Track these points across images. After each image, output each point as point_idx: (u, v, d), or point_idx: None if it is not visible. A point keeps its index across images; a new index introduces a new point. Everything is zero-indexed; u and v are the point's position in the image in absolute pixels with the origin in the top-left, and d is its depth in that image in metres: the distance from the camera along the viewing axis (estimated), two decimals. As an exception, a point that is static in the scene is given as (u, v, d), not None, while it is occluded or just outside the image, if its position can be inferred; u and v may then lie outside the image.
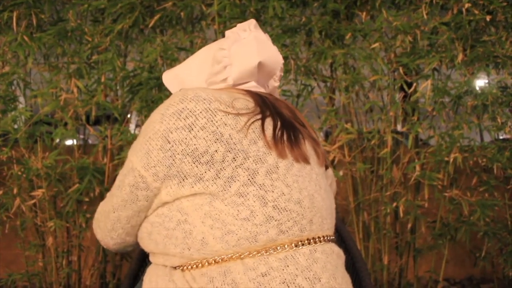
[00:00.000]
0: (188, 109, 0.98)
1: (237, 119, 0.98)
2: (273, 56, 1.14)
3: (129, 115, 2.64)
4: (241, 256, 0.94)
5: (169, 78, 1.21)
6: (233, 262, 0.94)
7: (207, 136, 0.96)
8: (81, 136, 2.79)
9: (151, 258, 1.09)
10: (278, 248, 0.95)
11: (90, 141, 3.03)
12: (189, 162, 0.96)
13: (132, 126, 2.93)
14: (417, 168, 2.51)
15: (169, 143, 0.97)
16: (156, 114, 1.01)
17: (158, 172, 0.98)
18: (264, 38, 1.15)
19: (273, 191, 0.96)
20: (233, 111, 0.99)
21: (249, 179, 0.96)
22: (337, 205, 2.97)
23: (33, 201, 2.48)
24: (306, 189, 1.01)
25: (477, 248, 2.81)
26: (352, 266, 1.26)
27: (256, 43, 1.12)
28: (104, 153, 2.56)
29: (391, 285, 2.69)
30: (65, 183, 2.50)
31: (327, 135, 3.80)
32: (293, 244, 0.96)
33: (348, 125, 2.49)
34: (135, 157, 1.01)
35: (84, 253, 2.65)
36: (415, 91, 2.55)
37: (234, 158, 0.96)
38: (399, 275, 2.72)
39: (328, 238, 1.04)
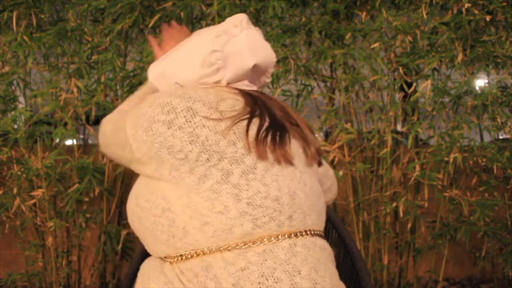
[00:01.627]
0: (171, 104, 1.01)
1: (217, 121, 1.01)
2: (267, 55, 1.15)
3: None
4: (220, 249, 0.98)
5: (156, 75, 1.20)
6: (213, 256, 0.98)
7: (183, 137, 0.99)
8: (81, 136, 2.79)
9: (146, 247, 1.12)
10: (257, 241, 0.98)
11: (90, 141, 3.03)
12: (166, 154, 1.00)
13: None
14: (417, 168, 2.51)
15: (151, 130, 1.01)
16: (150, 97, 1.06)
17: (140, 147, 1.03)
18: (257, 36, 1.15)
19: (248, 190, 0.99)
20: (214, 115, 1.01)
21: (222, 178, 0.99)
22: (337, 205, 2.95)
23: (33, 201, 2.48)
24: (287, 186, 1.03)
25: (477, 248, 2.81)
26: (352, 266, 1.26)
27: (250, 43, 1.11)
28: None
29: (391, 285, 2.69)
30: (65, 183, 2.50)
31: (327, 135, 3.80)
32: (272, 238, 0.99)
33: (348, 125, 2.49)
34: (129, 122, 1.06)
35: (84, 253, 2.65)
36: (415, 91, 2.55)
37: (208, 158, 0.99)
38: (399, 275, 2.72)
39: (312, 232, 1.05)
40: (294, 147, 1.08)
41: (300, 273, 0.97)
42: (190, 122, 1.00)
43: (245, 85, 1.13)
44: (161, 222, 1.02)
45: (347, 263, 1.29)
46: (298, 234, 1.02)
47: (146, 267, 1.09)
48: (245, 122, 1.02)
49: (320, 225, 1.10)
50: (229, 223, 0.98)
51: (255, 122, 1.04)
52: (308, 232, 1.04)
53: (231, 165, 0.99)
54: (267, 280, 0.95)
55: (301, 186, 1.05)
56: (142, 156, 1.04)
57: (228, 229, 0.98)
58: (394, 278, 2.72)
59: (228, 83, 1.11)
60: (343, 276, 1.26)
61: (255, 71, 1.15)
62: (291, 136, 1.08)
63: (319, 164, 1.17)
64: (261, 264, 0.96)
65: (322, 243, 1.07)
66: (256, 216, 0.99)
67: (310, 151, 1.11)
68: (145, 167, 1.05)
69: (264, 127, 1.03)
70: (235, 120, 1.01)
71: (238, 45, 1.11)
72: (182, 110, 1.00)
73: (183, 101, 1.01)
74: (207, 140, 0.99)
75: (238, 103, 1.05)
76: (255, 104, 1.06)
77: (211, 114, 1.01)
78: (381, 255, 2.64)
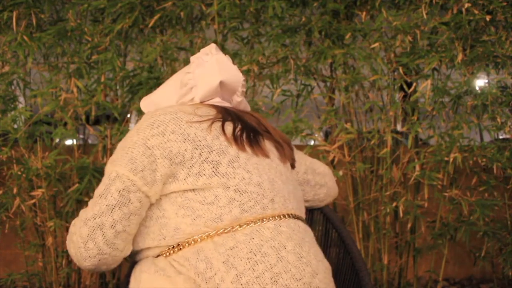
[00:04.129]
0: (158, 120, 1.13)
1: (200, 122, 1.15)
2: (233, 75, 1.29)
3: (128, 115, 2.63)
4: (210, 235, 1.07)
5: (146, 103, 1.34)
6: (205, 242, 1.07)
7: (177, 138, 1.11)
8: (81, 136, 2.79)
9: (135, 258, 1.19)
10: (244, 225, 1.08)
11: (90, 141, 3.03)
12: (167, 165, 1.10)
13: (132, 126, 2.93)
14: (417, 168, 2.51)
15: (149, 149, 1.10)
16: (131, 131, 1.16)
17: (146, 176, 1.10)
18: (225, 60, 1.30)
19: (234, 178, 1.10)
20: (196, 118, 1.15)
21: (213, 171, 1.10)
22: (337, 205, 2.96)
23: (33, 201, 2.48)
24: (266, 174, 1.15)
25: (477, 248, 2.81)
26: (352, 266, 1.26)
27: (217, 64, 1.27)
28: (104, 153, 2.56)
29: (390, 285, 2.69)
30: (64, 183, 2.50)
31: (327, 135, 3.80)
32: (257, 221, 1.09)
33: (348, 125, 2.49)
34: (118, 167, 1.10)
35: (84, 253, 2.64)
36: (415, 91, 2.55)
37: (200, 153, 1.11)
38: (398, 275, 2.72)
39: (294, 216, 1.15)
40: (268, 145, 1.22)
41: (285, 248, 1.06)
42: (179, 125, 1.13)
43: (218, 102, 1.27)
44: (152, 231, 1.12)
45: (347, 263, 1.29)
46: (282, 216, 1.12)
47: (137, 264, 1.17)
48: (219, 123, 1.16)
49: (301, 212, 1.21)
50: (219, 212, 1.08)
51: (229, 124, 1.18)
52: (291, 216, 1.14)
53: (219, 156, 1.12)
54: (255, 255, 1.04)
55: (278, 175, 1.18)
56: (149, 188, 1.10)
57: (218, 217, 1.08)
58: (394, 278, 2.72)
59: (201, 101, 1.26)
60: (343, 276, 1.27)
61: (225, 90, 1.29)
62: (264, 138, 1.22)
63: (292, 166, 1.29)
64: (249, 242, 1.05)
65: (305, 226, 1.17)
66: (242, 201, 1.09)
67: (284, 150, 1.25)
68: (150, 200, 1.12)
69: (238, 128, 1.18)
70: (213, 120, 1.16)
71: (207, 67, 1.27)
72: (169, 120, 1.13)
73: (167, 114, 1.15)
74: (196, 136, 1.12)
75: (211, 111, 1.20)
76: (227, 113, 1.21)
77: (192, 118, 1.15)
78: (381, 255, 2.64)
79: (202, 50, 1.30)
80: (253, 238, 1.06)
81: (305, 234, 1.13)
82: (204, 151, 1.11)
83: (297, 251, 1.06)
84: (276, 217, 1.10)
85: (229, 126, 1.17)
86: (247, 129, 1.19)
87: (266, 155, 1.18)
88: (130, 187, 1.09)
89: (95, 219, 1.08)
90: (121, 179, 1.09)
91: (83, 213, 1.12)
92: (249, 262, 1.03)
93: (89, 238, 1.08)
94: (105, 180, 1.11)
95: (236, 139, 1.15)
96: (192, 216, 1.08)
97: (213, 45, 1.31)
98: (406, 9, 2.48)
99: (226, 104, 1.28)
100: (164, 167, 1.10)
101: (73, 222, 1.14)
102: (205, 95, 1.26)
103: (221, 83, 1.25)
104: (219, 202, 1.08)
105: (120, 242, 1.10)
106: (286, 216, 1.12)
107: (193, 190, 1.09)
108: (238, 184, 1.10)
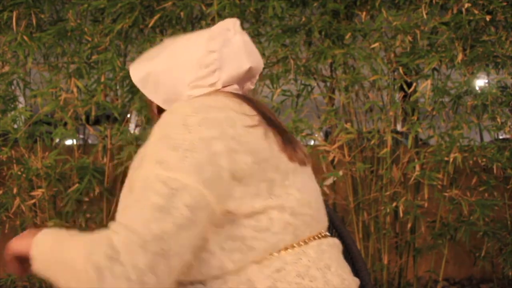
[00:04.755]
0: (212, 118, 0.91)
1: (255, 127, 0.94)
2: (259, 61, 1.12)
3: (128, 115, 2.63)
4: (256, 261, 0.91)
5: (142, 77, 1.09)
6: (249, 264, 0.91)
7: (237, 147, 0.89)
8: (81, 136, 2.78)
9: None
10: (289, 247, 0.94)
11: (90, 141, 3.03)
12: (228, 180, 0.88)
13: (131, 126, 2.93)
14: (417, 168, 2.51)
15: (214, 156, 0.87)
16: (170, 124, 0.90)
17: (218, 190, 0.87)
18: (250, 41, 1.12)
19: (288, 198, 0.94)
20: (248, 120, 0.94)
21: (268, 191, 0.92)
22: (337, 205, 2.95)
23: (33, 201, 2.48)
24: (312, 188, 1.01)
25: (476, 248, 2.81)
26: (352, 266, 1.26)
27: (244, 46, 1.07)
28: (104, 153, 2.55)
29: (391, 284, 2.69)
30: (64, 183, 2.50)
31: (327, 135, 3.79)
32: (301, 242, 0.96)
33: (348, 125, 2.49)
34: (179, 173, 0.84)
35: (84, 253, 2.64)
36: (415, 91, 2.55)
37: (258, 169, 0.91)
38: (399, 275, 2.72)
39: (327, 233, 1.05)
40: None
41: (330, 270, 0.95)
42: (236, 130, 0.91)
43: (235, 89, 1.08)
44: (188, 264, 0.86)
45: (347, 263, 1.29)
46: (321, 235, 1.00)
47: None
48: (272, 129, 0.97)
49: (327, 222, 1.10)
50: (274, 239, 0.91)
51: (271, 129, 0.98)
52: (327, 233, 1.03)
53: (274, 173, 0.93)
54: (303, 279, 0.90)
55: (316, 187, 1.04)
56: (217, 204, 0.88)
57: (272, 247, 0.91)
58: (394, 278, 2.72)
59: (222, 86, 1.05)
60: (343, 276, 1.27)
61: (247, 77, 1.11)
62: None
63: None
64: (296, 263, 0.92)
65: (338, 242, 1.06)
66: (297, 225, 0.94)
67: (304, 151, 1.08)
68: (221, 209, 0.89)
69: (277, 132, 0.98)
70: (265, 125, 0.95)
71: (234, 47, 1.05)
72: (224, 121, 0.91)
73: (218, 111, 0.92)
74: (256, 147, 0.91)
75: (251, 110, 0.98)
76: (259, 110, 1.02)
77: (245, 119, 0.93)
78: (381, 255, 2.64)
79: (222, 24, 1.08)
80: (300, 259, 0.93)
81: (339, 251, 1.04)
82: (262, 166, 0.91)
83: (339, 273, 0.97)
84: (318, 236, 0.99)
85: (271, 132, 0.96)
86: (283, 131, 1.00)
87: (305, 162, 1.01)
88: (201, 202, 0.84)
89: (159, 242, 0.79)
90: (189, 191, 0.83)
91: (128, 233, 0.80)
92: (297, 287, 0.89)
93: (149, 270, 0.79)
94: (159, 189, 0.83)
95: (286, 148, 0.96)
96: (242, 250, 0.89)
97: (236, 21, 1.08)
98: (406, 9, 2.48)
99: (239, 93, 1.08)
100: (225, 182, 0.87)
101: (97, 241, 0.81)
102: (229, 81, 1.05)
103: (249, 69, 1.06)
104: (273, 227, 0.91)
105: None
106: (325, 234, 1.02)
107: (247, 214, 0.90)
108: (293, 206, 0.93)
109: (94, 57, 2.51)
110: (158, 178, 0.83)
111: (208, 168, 0.86)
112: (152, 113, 1.17)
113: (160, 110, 1.07)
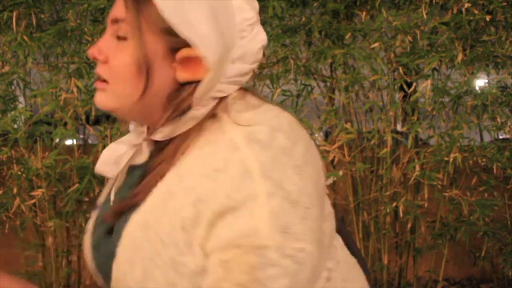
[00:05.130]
0: (311, 147, 0.73)
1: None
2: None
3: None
4: None
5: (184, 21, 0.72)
6: None
7: (323, 183, 0.74)
8: (81, 136, 2.78)
9: None
10: None
11: (90, 141, 3.03)
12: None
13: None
14: (417, 168, 2.51)
15: (321, 208, 0.71)
16: (286, 165, 0.67)
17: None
18: None
19: (336, 252, 0.81)
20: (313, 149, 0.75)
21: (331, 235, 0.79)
22: (337, 205, 2.95)
23: (32, 201, 2.48)
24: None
25: (476, 247, 2.81)
26: (352, 266, 1.26)
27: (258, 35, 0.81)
28: (104, 153, 2.55)
29: (391, 285, 2.69)
30: (64, 183, 2.50)
31: (327, 135, 3.80)
32: None
33: (348, 125, 2.49)
34: (303, 241, 0.65)
35: (84, 253, 2.64)
36: (415, 91, 2.55)
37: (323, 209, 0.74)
38: (398, 275, 2.72)
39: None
40: None
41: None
42: (318, 159, 0.75)
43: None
44: None
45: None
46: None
47: None
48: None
49: None
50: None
51: None
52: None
53: (326, 221, 0.75)
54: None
55: None
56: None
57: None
58: (394, 278, 2.72)
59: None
60: (343, 276, 1.26)
61: None
62: None
63: None
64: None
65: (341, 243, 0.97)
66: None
67: None
68: None
69: None
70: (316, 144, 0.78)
71: (258, 35, 0.77)
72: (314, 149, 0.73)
73: (303, 131, 0.74)
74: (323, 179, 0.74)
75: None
76: None
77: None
78: (381, 255, 2.64)
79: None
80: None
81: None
82: (322, 204, 0.73)
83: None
84: None
85: None
86: None
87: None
88: (317, 269, 0.70)
89: None
90: (311, 261, 0.67)
91: None
92: None
93: None
94: (282, 262, 0.64)
95: None
96: None
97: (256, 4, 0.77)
98: (406, 9, 2.48)
99: None
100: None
101: None
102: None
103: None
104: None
105: None
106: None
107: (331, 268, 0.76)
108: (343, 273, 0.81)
109: (94, 57, 2.51)
110: (276, 246, 0.64)
111: (320, 227, 0.70)
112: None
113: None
